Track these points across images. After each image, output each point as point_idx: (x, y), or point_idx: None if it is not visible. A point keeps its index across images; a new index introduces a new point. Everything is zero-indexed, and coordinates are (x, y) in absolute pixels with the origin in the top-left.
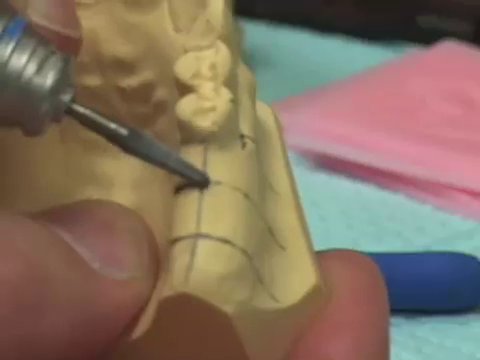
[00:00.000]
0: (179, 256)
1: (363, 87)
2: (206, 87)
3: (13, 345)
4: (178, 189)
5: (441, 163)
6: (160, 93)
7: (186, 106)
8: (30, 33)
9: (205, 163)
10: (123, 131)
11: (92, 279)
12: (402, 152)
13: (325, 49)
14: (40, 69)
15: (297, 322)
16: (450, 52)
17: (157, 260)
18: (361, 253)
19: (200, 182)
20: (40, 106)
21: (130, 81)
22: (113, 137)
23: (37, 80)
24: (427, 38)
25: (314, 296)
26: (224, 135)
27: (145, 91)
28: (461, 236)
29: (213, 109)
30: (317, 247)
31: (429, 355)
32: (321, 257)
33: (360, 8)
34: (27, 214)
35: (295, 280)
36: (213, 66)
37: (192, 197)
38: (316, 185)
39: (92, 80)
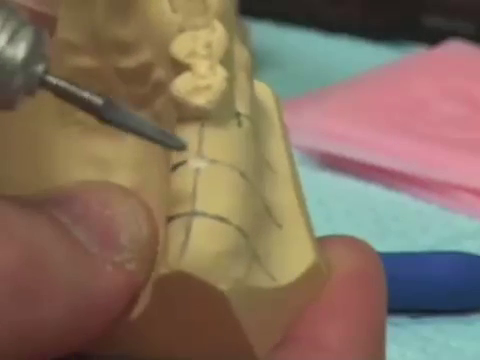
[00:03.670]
0: (174, 234)
1: (369, 87)
2: (201, 65)
3: (11, 331)
4: (174, 167)
5: (446, 163)
6: (158, 74)
7: (181, 84)
8: (1, 5)
9: (201, 141)
10: (98, 101)
11: (90, 263)
12: (407, 152)
13: (330, 49)
14: (12, 40)
15: (296, 301)
16: (455, 52)
17: (157, 241)
18: (361, 239)
19: (178, 148)
20: (13, 78)
21: (128, 62)
22: (88, 107)
23: (9, 51)
24: (432, 38)
25: (313, 274)
26: (220, 113)
27: (143, 72)
28: (466, 236)
29: (208, 87)
30: None
31: (434, 355)
32: (322, 241)
33: (365, 8)
34: (24, 197)
35: (293, 258)
36: (208, 45)
37: (188, 175)
38: (321, 185)
39: (90, 62)
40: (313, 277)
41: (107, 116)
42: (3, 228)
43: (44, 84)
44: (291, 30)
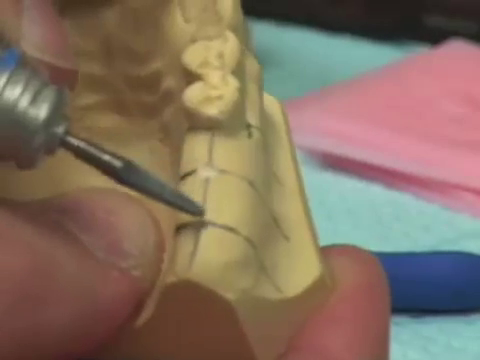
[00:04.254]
0: (183, 243)
1: (370, 87)
2: (214, 76)
3: (15, 336)
4: (184, 176)
5: (448, 162)
6: (168, 83)
7: (193, 94)
8: (24, 65)
9: (211, 151)
10: (117, 163)
11: (97, 269)
12: (409, 151)
13: (331, 49)
14: (34, 101)
15: (301, 313)
16: (457, 51)
17: (162, 248)
18: (364, 249)
19: (196, 213)
20: (34, 138)
21: (139, 70)
22: (108, 169)
23: (31, 112)
24: (434, 38)
25: (318, 288)
26: (231, 124)
27: (153, 81)
28: (468, 236)
29: (220, 97)
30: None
31: (435, 354)
32: (325, 251)
33: (366, 8)
34: (31, 204)
35: (299, 271)
36: (221, 55)
37: (197, 184)
38: (323, 184)
39: (100, 69)
40: (318, 290)
41: (126, 179)
42: (10, 235)
43: (64, 144)
44: (291, 30)
